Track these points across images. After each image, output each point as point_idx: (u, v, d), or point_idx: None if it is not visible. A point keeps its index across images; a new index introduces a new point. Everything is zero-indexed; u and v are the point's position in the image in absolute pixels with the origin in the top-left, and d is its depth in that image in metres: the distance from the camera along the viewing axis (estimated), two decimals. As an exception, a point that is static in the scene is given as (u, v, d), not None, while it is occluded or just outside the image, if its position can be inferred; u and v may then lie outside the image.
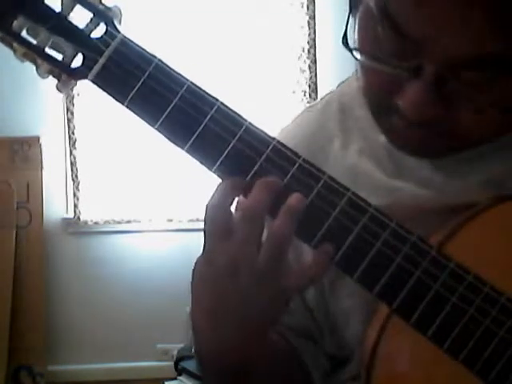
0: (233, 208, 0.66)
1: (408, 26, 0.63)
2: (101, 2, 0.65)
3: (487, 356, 0.66)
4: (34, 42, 0.65)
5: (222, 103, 0.66)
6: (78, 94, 3.21)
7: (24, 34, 0.64)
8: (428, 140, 0.69)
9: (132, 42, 0.65)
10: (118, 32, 0.65)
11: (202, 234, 0.66)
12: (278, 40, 3.25)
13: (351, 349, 0.79)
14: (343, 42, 0.67)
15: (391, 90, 0.67)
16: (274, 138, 0.66)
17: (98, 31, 0.64)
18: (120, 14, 0.65)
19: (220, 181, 0.66)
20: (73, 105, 3.26)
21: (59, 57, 0.65)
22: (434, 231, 0.70)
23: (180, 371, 2.72)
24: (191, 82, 0.65)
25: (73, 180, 3.33)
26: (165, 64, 0.65)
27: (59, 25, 0.65)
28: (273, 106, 3.19)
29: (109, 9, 0.65)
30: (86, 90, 3.10)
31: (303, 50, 3.25)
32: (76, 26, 0.65)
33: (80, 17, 0.64)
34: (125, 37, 0.65)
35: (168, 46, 3.02)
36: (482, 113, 0.66)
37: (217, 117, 0.65)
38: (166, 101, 0.65)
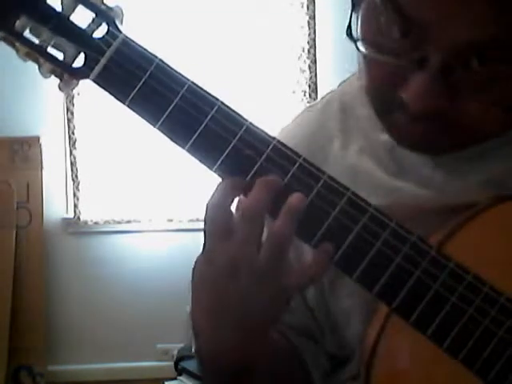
0: (233, 208, 0.66)
1: (412, 11, 0.63)
2: (103, 2, 0.65)
3: (486, 356, 0.66)
4: (37, 41, 0.65)
5: (222, 103, 0.66)
6: (78, 94, 3.21)
7: (26, 33, 0.65)
8: (431, 134, 0.68)
9: (133, 41, 0.66)
10: (120, 32, 0.65)
11: (202, 233, 0.67)
12: (278, 40, 3.25)
13: (352, 348, 0.79)
14: (347, 34, 0.67)
15: (395, 83, 0.67)
16: (274, 138, 0.66)
17: (100, 31, 0.65)
18: (122, 14, 0.65)
19: (220, 180, 0.66)
20: (73, 105, 3.26)
21: (61, 56, 0.66)
22: (434, 231, 0.70)
23: (180, 371, 2.72)
24: (192, 82, 0.66)
25: (73, 180, 3.33)
26: (166, 64, 0.66)
27: (61, 25, 0.65)
28: (273, 106, 3.19)
29: (110, 9, 0.65)
30: (86, 89, 3.09)
31: (303, 50, 3.25)
32: (78, 26, 0.65)
33: (82, 17, 0.65)
34: (126, 37, 0.65)
35: (168, 46, 3.02)
36: (487, 107, 0.66)
37: (217, 116, 0.65)
38: (166, 100, 0.65)
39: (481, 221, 0.70)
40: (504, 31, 0.62)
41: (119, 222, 3.34)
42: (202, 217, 0.66)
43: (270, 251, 0.64)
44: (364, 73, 0.70)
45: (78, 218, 3.33)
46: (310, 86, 3.26)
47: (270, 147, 0.66)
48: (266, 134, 0.66)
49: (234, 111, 0.66)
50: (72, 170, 3.32)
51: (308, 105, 0.87)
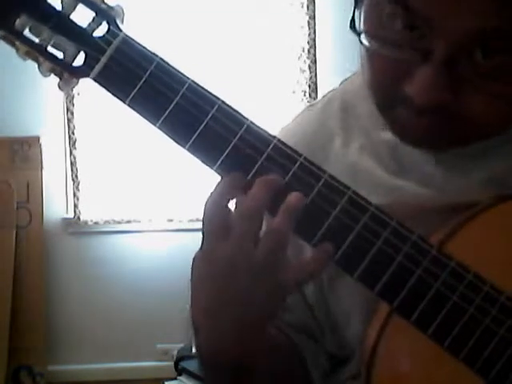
0: (231, 206, 0.66)
1: (416, 3, 0.63)
2: (103, 1, 0.65)
3: (487, 355, 0.66)
4: (37, 40, 0.65)
5: (223, 102, 0.66)
6: (78, 94, 3.21)
7: (26, 32, 0.65)
8: (435, 128, 0.68)
9: (134, 40, 0.66)
10: (120, 31, 0.65)
11: (201, 231, 0.67)
12: (278, 40, 3.25)
13: (352, 348, 0.79)
14: (351, 27, 0.67)
15: (398, 77, 0.67)
16: (274, 137, 0.66)
17: (100, 30, 0.65)
18: (122, 13, 0.65)
19: (219, 179, 0.66)
20: (73, 105, 3.26)
21: (61, 55, 0.65)
22: (435, 230, 0.70)
23: (180, 371, 2.72)
24: (192, 81, 0.66)
25: (73, 180, 3.33)
26: (166, 63, 0.66)
27: (61, 24, 0.65)
28: (273, 106, 3.19)
29: (111, 8, 0.65)
30: (86, 89, 3.10)
31: (303, 50, 3.25)
32: (78, 25, 0.65)
33: (82, 16, 0.65)
34: (127, 35, 0.65)
35: (168, 46, 3.01)
36: (491, 100, 0.65)
37: (218, 115, 0.65)
38: (167, 99, 0.65)
39: (481, 220, 0.70)
40: (507, 22, 0.62)
41: (119, 222, 3.34)
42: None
43: (267, 248, 0.64)
44: (367, 67, 0.70)
45: (78, 217, 3.33)
46: (310, 86, 3.26)
47: (271, 146, 0.66)
48: (267, 133, 0.66)
49: (234, 110, 0.66)
50: (72, 170, 3.32)
51: (309, 104, 0.87)
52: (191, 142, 0.65)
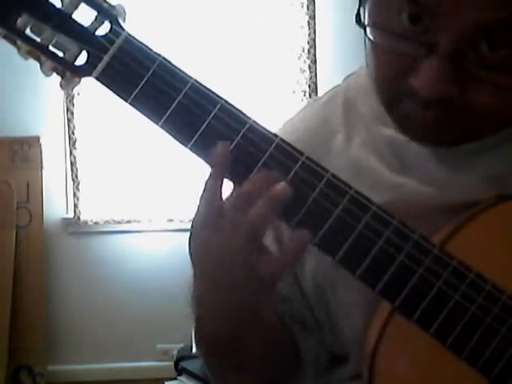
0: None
1: None
2: (105, 1, 0.65)
3: (489, 353, 0.67)
4: (38, 39, 0.65)
5: (225, 101, 0.66)
6: (78, 94, 3.21)
7: (28, 32, 0.65)
8: (441, 122, 0.68)
9: (136, 39, 0.66)
10: (123, 30, 0.65)
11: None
12: (278, 40, 3.25)
13: (351, 347, 0.80)
14: (356, 21, 0.68)
15: (403, 70, 0.67)
16: (277, 136, 0.66)
17: (103, 29, 0.65)
18: (124, 13, 0.65)
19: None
20: (73, 105, 3.26)
21: (63, 54, 0.65)
22: (437, 229, 0.70)
23: (180, 371, 2.72)
24: (195, 80, 0.66)
25: (73, 180, 3.32)
26: (169, 62, 0.66)
27: (63, 23, 0.65)
28: (273, 106, 3.18)
29: (113, 7, 0.65)
30: (86, 89, 3.10)
31: (303, 50, 3.25)
32: (80, 24, 0.65)
33: (84, 15, 0.65)
34: (129, 35, 0.65)
35: (168, 46, 3.01)
36: (497, 93, 0.66)
37: (220, 115, 0.65)
38: (169, 98, 0.65)
39: (481, 220, 0.70)
40: None
41: (119, 222, 3.34)
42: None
43: (245, 233, 0.64)
44: (372, 61, 0.70)
45: (78, 218, 3.33)
46: (310, 86, 3.26)
47: (273, 145, 0.66)
48: (269, 132, 0.66)
49: (236, 109, 0.66)
50: (72, 170, 3.31)
51: (313, 98, 0.87)
52: (193, 141, 0.66)
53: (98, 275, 3.35)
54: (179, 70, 0.66)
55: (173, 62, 0.66)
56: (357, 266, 0.66)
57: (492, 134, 0.73)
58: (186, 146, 0.66)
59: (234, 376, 0.79)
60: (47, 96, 3.23)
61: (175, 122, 0.66)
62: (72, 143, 3.29)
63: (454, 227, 0.69)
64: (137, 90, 0.65)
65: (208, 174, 0.66)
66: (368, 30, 0.68)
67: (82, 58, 0.65)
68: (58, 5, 0.65)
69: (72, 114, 3.26)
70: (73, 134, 3.28)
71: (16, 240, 3.23)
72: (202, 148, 0.66)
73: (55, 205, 3.36)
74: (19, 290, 3.22)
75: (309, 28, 3.23)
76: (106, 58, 0.65)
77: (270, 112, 3.11)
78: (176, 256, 3.21)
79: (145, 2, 3.14)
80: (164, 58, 0.66)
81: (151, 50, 0.66)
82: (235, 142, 0.66)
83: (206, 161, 0.66)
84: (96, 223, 3.34)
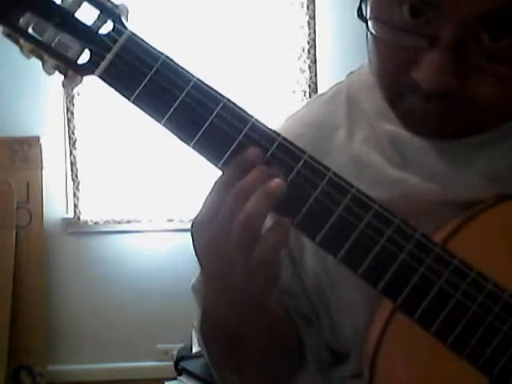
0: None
1: None
2: (108, 0, 0.65)
3: (490, 352, 0.67)
4: (41, 38, 0.65)
5: (228, 100, 0.66)
6: (78, 94, 3.21)
7: (30, 30, 0.65)
8: (444, 114, 0.69)
9: (139, 38, 0.66)
10: (126, 29, 0.65)
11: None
12: (278, 40, 3.25)
13: (351, 344, 0.80)
14: (358, 15, 0.68)
15: (406, 64, 0.67)
16: (279, 135, 0.66)
17: (105, 28, 0.65)
18: (126, 12, 0.65)
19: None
20: (73, 105, 3.26)
21: (66, 53, 0.65)
22: (438, 228, 0.70)
23: (180, 371, 2.72)
24: (197, 79, 0.66)
25: (73, 180, 3.32)
26: (172, 60, 0.66)
27: (66, 21, 0.65)
28: (273, 106, 3.18)
29: (116, 6, 0.65)
30: (86, 89, 3.10)
31: (303, 50, 3.25)
32: (83, 23, 0.65)
33: (87, 14, 0.65)
34: (132, 33, 0.65)
35: (168, 46, 3.01)
36: (498, 84, 0.66)
37: (223, 113, 0.65)
38: (172, 97, 0.65)
39: (481, 220, 0.70)
40: None
41: (119, 222, 3.34)
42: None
43: (238, 228, 0.64)
44: (374, 55, 0.71)
45: (78, 217, 3.33)
46: (310, 86, 3.26)
47: (276, 144, 0.66)
48: (272, 130, 0.66)
49: (239, 108, 0.66)
50: (72, 170, 3.31)
51: (316, 95, 0.88)
52: (196, 139, 0.66)
53: (98, 275, 3.35)
54: (182, 68, 0.66)
55: (175, 61, 0.66)
56: (358, 265, 0.66)
57: (494, 128, 0.73)
58: (188, 144, 0.66)
59: (239, 372, 0.80)
60: (47, 96, 3.23)
61: (178, 121, 0.66)
62: (72, 143, 3.29)
63: (455, 226, 0.69)
64: (139, 89, 0.65)
65: (221, 173, 0.66)
66: (370, 24, 0.68)
67: (84, 57, 0.65)
68: (62, 4, 0.65)
69: (72, 114, 3.27)
70: (73, 133, 3.28)
71: (16, 240, 3.23)
72: (204, 146, 0.66)
73: (55, 205, 3.36)
74: (19, 289, 3.22)
75: (309, 28, 3.23)
76: (108, 57, 0.65)
77: (270, 112, 3.11)
78: (176, 256, 3.21)
79: (146, 2, 3.14)
80: (167, 57, 0.66)
81: (154, 48, 0.66)
82: (237, 140, 0.66)
83: (208, 159, 0.66)
84: (96, 223, 3.34)
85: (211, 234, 0.65)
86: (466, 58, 0.65)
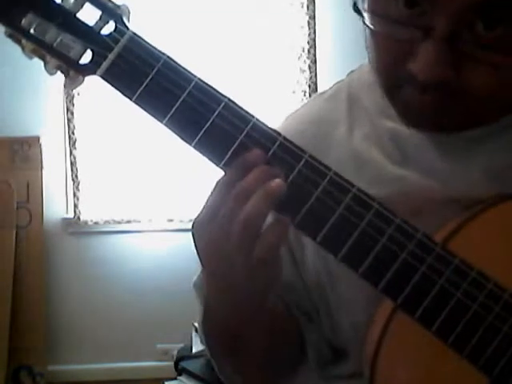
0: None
1: None
2: (110, 0, 0.65)
3: (491, 352, 0.67)
4: (43, 38, 0.65)
5: (229, 99, 0.66)
6: (78, 94, 3.21)
7: (32, 31, 0.65)
8: (440, 105, 0.69)
9: (141, 38, 0.66)
10: (128, 29, 0.66)
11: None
12: (278, 40, 3.25)
13: (350, 343, 0.80)
14: (354, 9, 0.68)
15: (402, 56, 0.68)
16: (280, 134, 0.67)
17: (107, 28, 0.65)
18: (128, 12, 0.66)
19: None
20: (73, 105, 3.26)
21: (68, 53, 0.66)
22: (438, 227, 0.70)
23: (180, 371, 2.72)
24: (199, 79, 0.66)
25: (73, 180, 3.32)
26: (173, 60, 0.66)
27: (68, 22, 0.65)
28: (273, 106, 3.19)
29: (118, 6, 0.65)
30: (86, 89, 3.10)
31: (303, 50, 3.25)
32: (85, 23, 0.66)
33: (89, 14, 0.65)
34: (134, 33, 0.66)
35: (168, 46, 3.01)
36: (494, 74, 0.66)
37: (224, 113, 0.66)
38: (174, 97, 0.65)
39: (482, 220, 0.70)
40: None
41: (119, 222, 3.34)
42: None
43: (238, 228, 0.64)
44: (372, 49, 0.71)
45: (78, 218, 3.33)
46: (310, 86, 3.27)
47: (277, 144, 0.66)
48: (273, 130, 0.67)
49: (240, 108, 0.66)
50: (72, 170, 3.31)
51: (317, 93, 0.88)
52: (197, 139, 0.66)
53: (98, 275, 3.36)
54: (183, 68, 0.66)
55: (177, 61, 0.66)
56: (359, 264, 0.66)
57: (493, 121, 0.73)
58: (190, 144, 0.66)
59: (240, 371, 0.80)
60: (47, 96, 3.23)
61: (179, 120, 0.66)
62: (72, 143, 3.29)
63: (455, 226, 0.70)
64: (141, 89, 0.65)
65: (224, 173, 0.66)
66: (366, 17, 0.69)
67: (86, 57, 0.65)
68: (63, 4, 0.65)
69: (72, 114, 3.27)
70: (73, 133, 3.28)
71: (16, 240, 3.23)
72: (205, 146, 0.66)
73: (55, 205, 3.36)
74: (19, 289, 3.22)
75: (309, 28, 3.23)
76: (110, 57, 0.65)
77: (270, 112, 3.11)
78: (176, 256, 3.22)
79: (147, 2, 3.15)
80: (168, 57, 0.66)
81: (156, 48, 0.66)
82: (238, 140, 0.66)
83: (209, 159, 0.66)
84: (96, 223, 3.34)
85: (212, 234, 0.65)
86: (461, 48, 0.65)
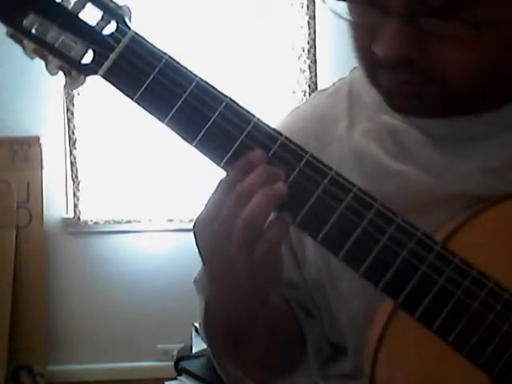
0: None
1: None
2: (111, 1, 0.65)
3: (491, 350, 0.67)
4: (44, 38, 0.65)
5: (230, 99, 0.66)
6: (78, 94, 3.21)
7: (34, 31, 0.65)
8: (412, 87, 0.70)
9: (143, 38, 0.66)
10: (129, 29, 0.66)
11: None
12: (278, 40, 3.25)
13: (349, 339, 0.80)
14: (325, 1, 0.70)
15: (370, 41, 0.69)
16: (281, 134, 0.67)
17: (109, 29, 0.65)
18: (129, 13, 0.66)
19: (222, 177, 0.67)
20: (73, 105, 3.26)
21: (69, 53, 0.66)
22: (439, 227, 0.70)
23: (180, 371, 2.72)
24: (200, 79, 0.66)
25: (73, 180, 3.32)
26: (175, 60, 0.66)
27: (70, 22, 0.65)
28: (273, 106, 3.19)
29: (119, 7, 0.65)
30: (86, 89, 3.10)
31: (303, 50, 3.25)
32: (87, 23, 0.66)
33: (91, 15, 0.65)
34: (136, 33, 0.66)
35: (168, 47, 3.01)
36: (459, 46, 0.66)
37: (225, 113, 0.66)
38: (175, 96, 0.66)
39: (484, 218, 0.70)
40: None
41: (119, 222, 3.34)
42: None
43: (240, 227, 0.64)
44: (350, 40, 0.73)
45: (78, 218, 3.33)
46: (310, 86, 3.27)
47: (278, 143, 0.66)
48: (274, 130, 0.67)
49: (241, 107, 0.67)
50: (72, 170, 3.31)
51: (319, 90, 0.89)
52: (198, 138, 0.66)
53: (98, 275, 3.36)
54: (185, 68, 0.66)
55: (179, 61, 0.66)
56: (360, 263, 0.66)
57: (479, 108, 0.73)
58: (191, 143, 0.66)
59: (242, 368, 0.80)
60: (47, 96, 3.23)
61: (181, 120, 0.66)
62: (72, 143, 3.29)
63: (456, 225, 0.70)
64: (143, 88, 0.66)
65: (226, 174, 0.66)
66: (334, 6, 0.71)
67: (88, 57, 0.65)
68: (65, 4, 0.65)
69: (72, 114, 3.27)
70: (73, 133, 3.28)
71: (16, 240, 3.23)
72: (206, 146, 0.66)
73: (55, 205, 3.36)
74: (19, 289, 3.22)
75: (309, 28, 3.23)
76: (112, 56, 0.65)
77: (270, 112, 3.11)
78: (176, 256, 3.22)
79: (148, 2, 3.15)
80: (170, 57, 0.66)
81: (157, 48, 0.66)
82: (239, 139, 0.66)
83: (210, 158, 0.67)
84: (96, 223, 3.34)
85: (213, 234, 0.66)
86: (420, 25, 0.66)
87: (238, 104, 0.67)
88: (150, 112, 0.66)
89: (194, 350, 2.78)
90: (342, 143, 0.80)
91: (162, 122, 0.66)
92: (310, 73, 3.26)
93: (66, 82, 0.67)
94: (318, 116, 0.84)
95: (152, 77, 0.66)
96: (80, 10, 0.65)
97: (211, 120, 0.66)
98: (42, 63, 0.67)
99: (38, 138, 3.27)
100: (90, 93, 3.13)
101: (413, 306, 0.67)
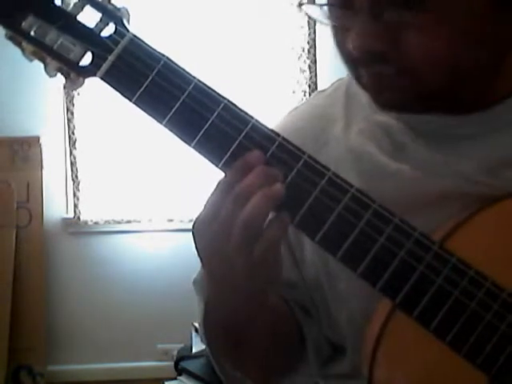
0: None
1: None
2: (110, 3, 0.66)
3: (489, 350, 0.67)
4: (43, 41, 0.66)
5: (228, 101, 0.67)
6: (78, 94, 3.21)
7: (33, 33, 0.65)
8: (388, 81, 0.70)
9: (141, 40, 0.66)
10: (128, 31, 0.66)
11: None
12: (278, 40, 3.25)
13: (347, 339, 0.80)
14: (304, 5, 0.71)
15: (346, 42, 0.70)
16: (279, 135, 0.67)
17: (107, 31, 0.65)
18: (128, 15, 0.66)
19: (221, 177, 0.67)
20: (73, 105, 3.26)
21: (68, 55, 0.66)
22: (436, 226, 0.71)
23: (180, 371, 2.72)
24: (198, 80, 0.66)
25: (73, 180, 3.32)
26: (173, 62, 0.66)
27: (69, 24, 0.66)
28: (273, 106, 3.19)
29: (118, 9, 0.66)
30: (86, 89, 3.10)
31: (303, 50, 3.25)
32: (85, 25, 0.66)
33: (90, 17, 0.65)
34: (134, 35, 0.66)
35: (168, 47, 3.01)
36: (424, 34, 0.67)
37: (223, 114, 0.66)
38: (173, 98, 0.66)
39: (481, 218, 0.71)
40: None
41: (119, 222, 3.34)
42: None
43: (239, 227, 0.65)
44: (334, 44, 0.73)
45: (78, 218, 3.33)
46: (310, 86, 3.27)
47: (276, 144, 0.66)
48: (272, 131, 0.67)
49: (239, 109, 0.67)
50: (72, 170, 3.31)
51: (318, 90, 0.90)
52: (197, 140, 0.66)
53: (98, 275, 3.36)
54: (183, 69, 0.67)
55: (177, 63, 0.66)
56: (358, 264, 0.66)
57: (463, 103, 0.74)
58: (189, 144, 0.67)
59: (241, 369, 0.80)
60: (47, 96, 3.23)
61: (179, 121, 0.66)
62: (72, 143, 3.29)
63: (454, 225, 0.70)
64: (141, 90, 0.66)
65: (225, 174, 0.66)
66: (317, 13, 0.71)
67: (86, 59, 0.66)
68: (64, 6, 0.65)
69: (72, 114, 3.27)
70: (73, 133, 3.29)
71: (16, 240, 3.23)
72: (205, 147, 0.67)
73: (55, 205, 3.36)
74: (19, 289, 3.22)
75: (309, 28, 3.23)
76: (110, 58, 0.66)
77: (270, 112, 3.11)
78: (176, 256, 3.21)
79: (147, 4, 3.15)
80: (168, 58, 0.67)
81: (155, 50, 0.67)
82: (238, 140, 0.66)
83: (208, 159, 0.67)
84: (96, 223, 3.34)
85: (212, 234, 0.66)
86: (386, 18, 0.67)
87: (236, 105, 0.67)
88: (148, 113, 0.67)
89: (193, 350, 2.79)
90: (339, 143, 0.80)
91: (161, 123, 0.66)
92: (310, 73, 3.26)
93: (66, 83, 0.68)
94: (316, 116, 0.84)
95: (150, 78, 0.66)
96: (78, 12, 0.65)
97: (209, 121, 0.66)
98: (42, 64, 0.67)
99: (37, 138, 3.27)
100: (90, 93, 3.13)
101: (411, 305, 0.67)
